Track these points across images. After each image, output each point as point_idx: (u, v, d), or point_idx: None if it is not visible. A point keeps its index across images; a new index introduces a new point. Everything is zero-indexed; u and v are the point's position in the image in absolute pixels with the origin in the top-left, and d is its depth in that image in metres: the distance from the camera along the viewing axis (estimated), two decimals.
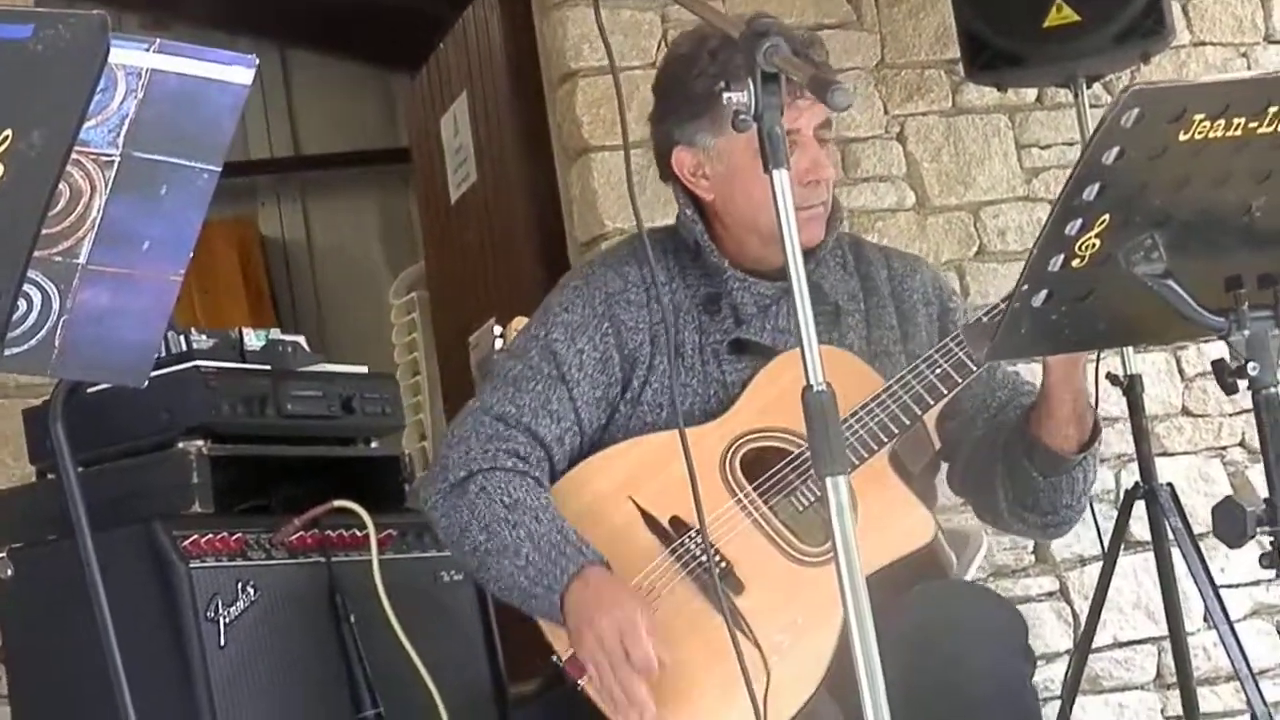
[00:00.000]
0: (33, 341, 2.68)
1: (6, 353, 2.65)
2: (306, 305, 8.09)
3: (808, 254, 3.10)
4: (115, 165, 2.64)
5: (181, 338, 3.71)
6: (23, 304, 2.66)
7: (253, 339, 3.84)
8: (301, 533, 3.67)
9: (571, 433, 3.23)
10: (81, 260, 2.68)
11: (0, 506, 3.84)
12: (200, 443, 3.63)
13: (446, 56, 6.45)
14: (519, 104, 5.91)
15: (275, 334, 3.91)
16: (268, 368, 3.81)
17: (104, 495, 3.50)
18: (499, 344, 3.83)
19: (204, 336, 3.74)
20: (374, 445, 4.05)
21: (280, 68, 8.06)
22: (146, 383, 2.81)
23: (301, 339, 3.96)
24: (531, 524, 3.09)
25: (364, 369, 4.10)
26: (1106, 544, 4.83)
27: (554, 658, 3.10)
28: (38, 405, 3.72)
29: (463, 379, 5.93)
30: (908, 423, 3.14)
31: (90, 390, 3.61)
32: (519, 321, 3.70)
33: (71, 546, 3.43)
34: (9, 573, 3.69)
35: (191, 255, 2.75)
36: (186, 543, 3.52)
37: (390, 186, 8.03)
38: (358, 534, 3.71)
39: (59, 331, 2.69)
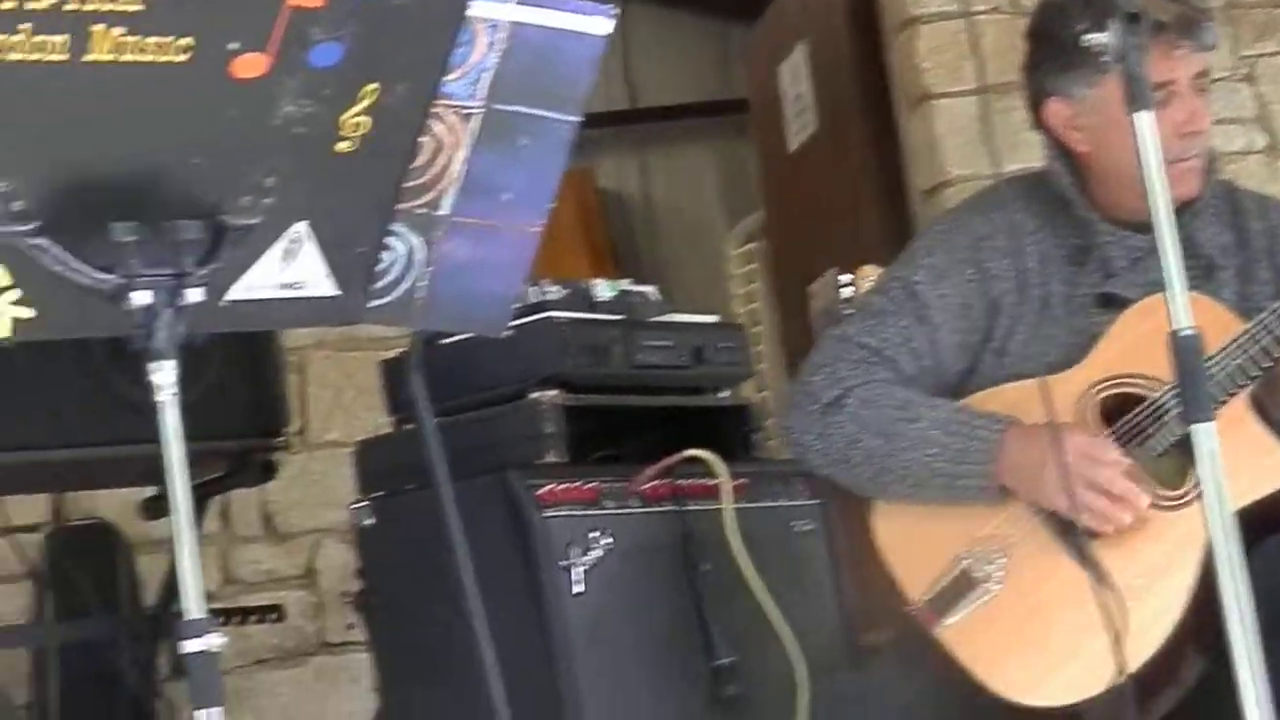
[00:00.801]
0: (397, 293, 2.73)
1: (372, 304, 2.71)
2: (644, 257, 8.13)
3: (1182, 207, 3.04)
4: (477, 118, 2.67)
5: (534, 289, 3.74)
6: (387, 256, 2.71)
7: (604, 290, 3.87)
8: (654, 482, 3.69)
9: (931, 373, 3.22)
10: (444, 212, 2.71)
11: (362, 456, 3.92)
12: (554, 393, 3.67)
13: (785, 6, 6.43)
14: (859, 51, 5.87)
15: (626, 284, 3.93)
16: (619, 318, 3.84)
17: (460, 445, 3.55)
18: (847, 293, 3.80)
19: (556, 287, 3.78)
20: (723, 395, 4.05)
21: (618, 21, 8.08)
22: (506, 334, 2.85)
23: (652, 289, 3.98)
24: (930, 414, 3.11)
25: (714, 318, 4.11)
26: None
27: (906, 608, 3.09)
28: (394, 357, 3.79)
29: (802, 329, 5.93)
30: (1268, 365, 3.06)
31: (445, 342, 3.67)
32: (868, 270, 3.67)
33: (430, 496, 3.50)
34: (371, 521, 3.77)
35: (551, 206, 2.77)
36: (541, 492, 3.56)
37: (727, 137, 8.02)
38: (710, 483, 3.72)
39: (423, 283, 2.73)
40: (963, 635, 3.05)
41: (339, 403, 5.63)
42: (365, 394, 5.59)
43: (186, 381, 3.67)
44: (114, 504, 5.15)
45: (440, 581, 3.46)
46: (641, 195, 8.25)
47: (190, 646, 2.47)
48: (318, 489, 5.52)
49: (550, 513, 3.54)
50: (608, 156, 8.13)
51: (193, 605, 2.49)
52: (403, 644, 3.77)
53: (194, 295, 2.52)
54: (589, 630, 3.52)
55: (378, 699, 4.35)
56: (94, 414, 3.87)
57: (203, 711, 2.48)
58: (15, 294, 2.52)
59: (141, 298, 2.49)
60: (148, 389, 3.77)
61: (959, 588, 3.08)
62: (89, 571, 5.11)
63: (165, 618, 4.18)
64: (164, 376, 2.49)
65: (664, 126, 8.19)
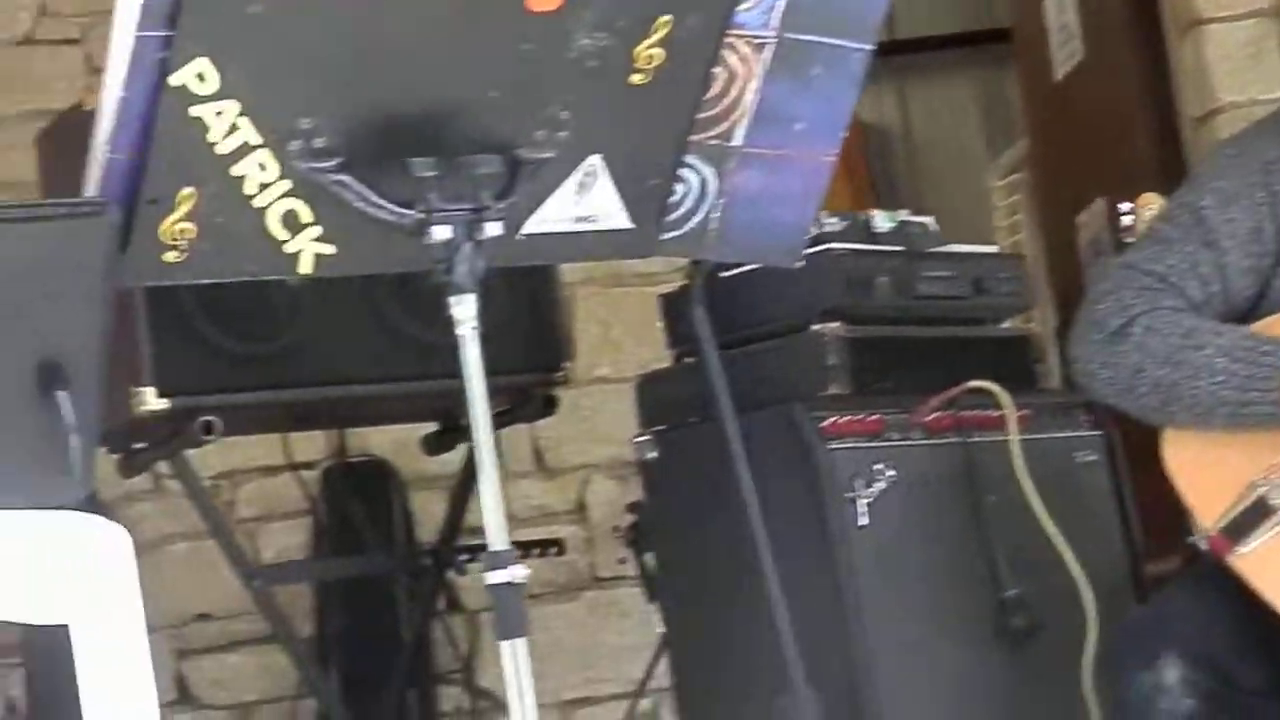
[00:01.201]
0: (690, 225, 2.73)
1: (665, 237, 2.71)
2: (903, 190, 8.06)
3: None
4: (770, 47, 2.66)
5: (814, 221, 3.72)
6: (680, 188, 2.71)
7: (882, 221, 3.84)
8: (938, 413, 3.66)
9: (1219, 299, 3.16)
10: (737, 143, 2.71)
11: (643, 390, 3.93)
12: (835, 325, 3.65)
13: None
14: None
15: (904, 215, 3.90)
16: (898, 249, 3.81)
17: (741, 378, 3.55)
18: (1128, 222, 3.74)
19: (834, 219, 3.76)
20: (1004, 325, 4.01)
21: None
22: (797, 264, 2.84)
23: (929, 219, 3.94)
24: (1216, 340, 3.05)
25: (994, 248, 4.06)
26: None
27: (1192, 538, 3.04)
28: (674, 291, 3.79)
29: (1069, 260, 5.85)
30: None
31: (725, 275, 3.66)
32: (1150, 199, 3.61)
33: (712, 429, 3.51)
34: (654, 454, 3.78)
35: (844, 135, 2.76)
36: (825, 424, 3.54)
37: (987, 68, 7.92)
38: (993, 414, 3.68)
39: (716, 215, 2.73)
40: (1259, 563, 3.00)
41: (607, 339, 5.65)
42: (633, 330, 5.62)
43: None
44: (387, 441, 5.23)
45: (724, 514, 3.47)
46: (901, 128, 8.17)
47: (495, 578, 2.50)
48: (587, 425, 5.54)
49: (835, 445, 3.53)
50: (866, 89, 8.05)
51: (497, 538, 2.51)
52: (687, 576, 3.78)
53: (492, 229, 2.54)
54: (874, 563, 3.51)
55: (662, 630, 4.38)
56: (378, 352, 3.92)
57: (508, 642, 2.51)
58: (316, 230, 2.56)
59: (442, 232, 2.51)
60: (431, 326, 3.85)
61: (1254, 515, 3.02)
62: (366, 508, 5.19)
63: (446, 551, 4.23)
64: (465, 311, 2.51)
65: (923, 58, 8.09)
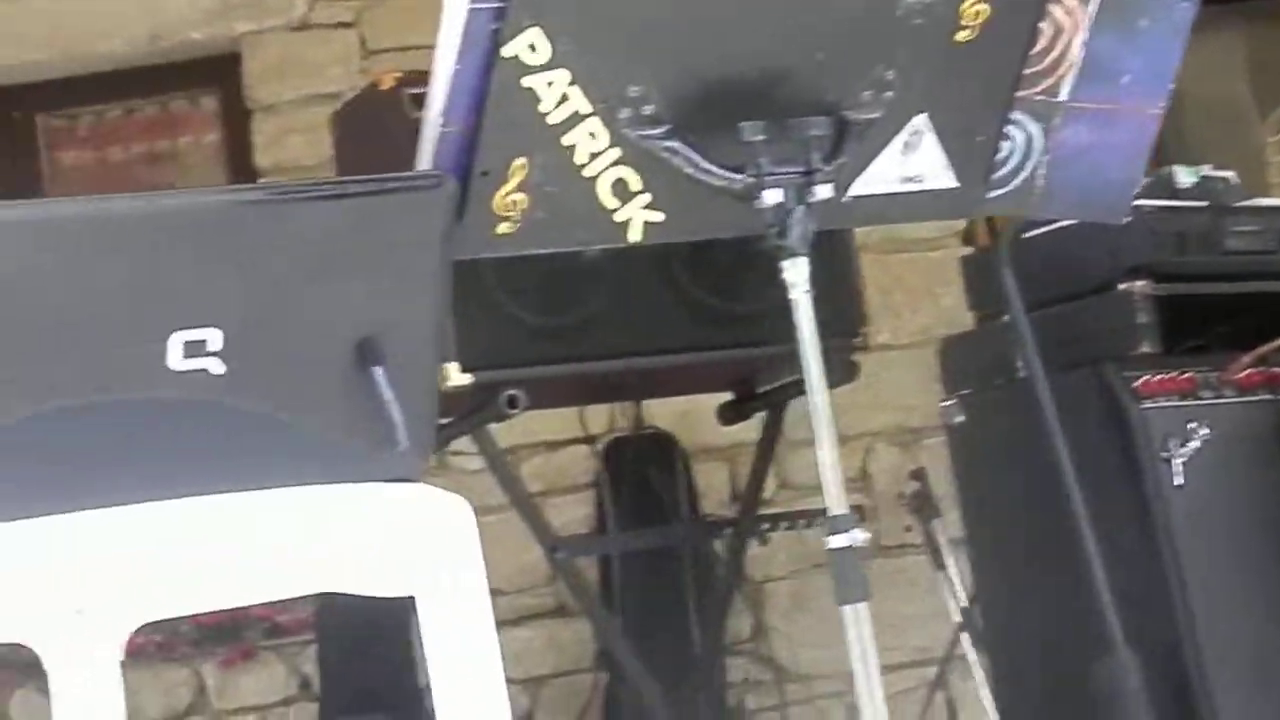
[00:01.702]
0: (1016, 182, 2.70)
1: (991, 195, 2.68)
2: (1171, 146, 7.90)
3: None
4: (1096, 0, 2.62)
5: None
6: (1005, 145, 2.68)
7: (1184, 176, 3.77)
8: (1250, 370, 3.59)
9: None
10: (1062, 98, 2.67)
11: (947, 354, 3.90)
12: (1143, 283, 3.59)
13: None
14: None
15: (1206, 170, 3.82)
16: (1204, 204, 3.73)
17: (1049, 338, 3.50)
18: None
19: None
20: None
21: None
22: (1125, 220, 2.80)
23: (1231, 174, 3.86)
24: None
25: None
26: None
27: None
28: (977, 252, 3.75)
29: None
30: None
31: (1028, 235, 3.61)
32: None
33: (1019, 391, 3.46)
34: (960, 418, 3.75)
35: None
36: (1137, 383, 3.49)
37: (1256, 23, 7.74)
38: None
39: (1041, 171, 2.69)
40: None
41: (887, 305, 5.60)
42: (912, 296, 5.58)
43: (771, 281, 3.73)
44: (669, 413, 5.23)
45: (1035, 477, 3.42)
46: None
47: (835, 542, 2.49)
48: (869, 392, 5.47)
49: (1148, 404, 3.48)
50: None
51: (835, 502, 2.50)
52: (998, 539, 3.74)
53: (823, 191, 2.52)
54: (1190, 522, 3.45)
55: (955, 600, 4.35)
56: (675, 322, 3.92)
57: (850, 607, 2.49)
58: (646, 198, 2.56)
59: (773, 195, 2.50)
60: (727, 296, 3.85)
61: None
62: (650, 480, 5.20)
63: (747, 521, 4.22)
64: (798, 274, 2.50)
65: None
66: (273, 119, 5.65)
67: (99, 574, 2.19)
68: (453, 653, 2.36)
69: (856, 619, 2.48)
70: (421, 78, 3.79)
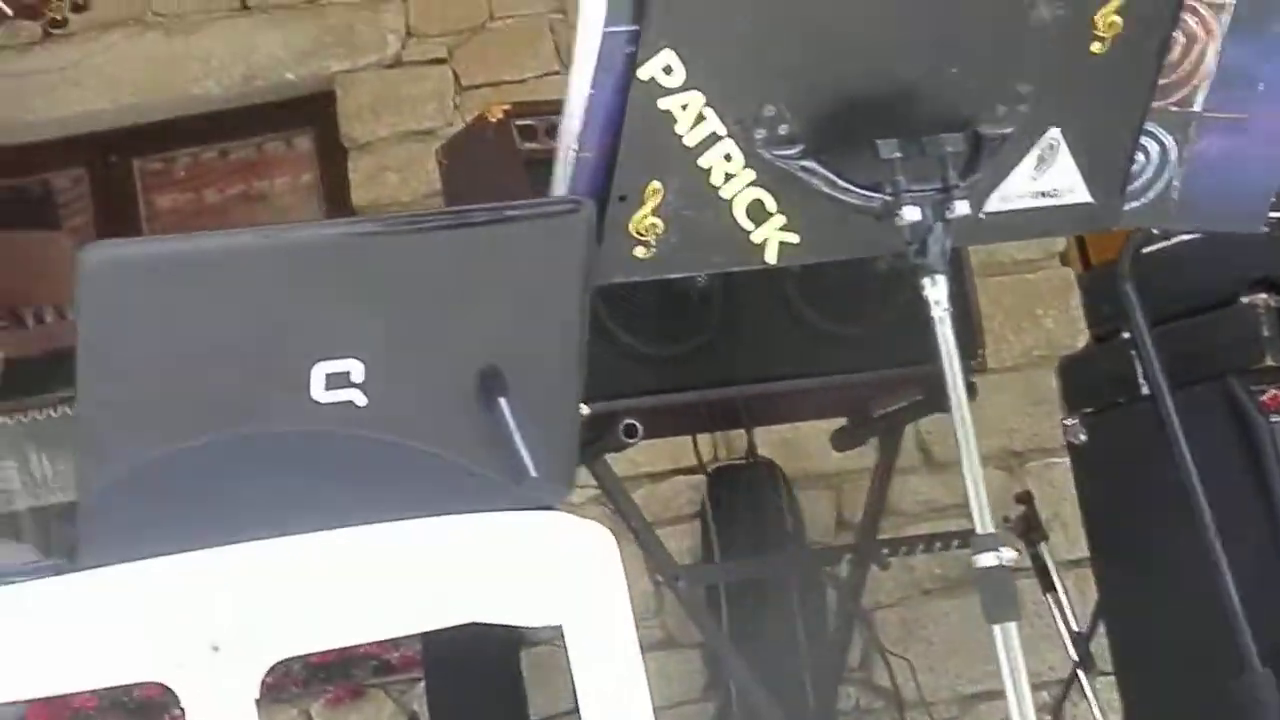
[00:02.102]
0: (1152, 194, 2.68)
1: (1127, 208, 2.66)
2: None
3: None
4: (1230, 7, 2.59)
5: None
6: (1141, 157, 2.65)
7: None
8: None
9: None
10: (1197, 108, 2.64)
11: (1067, 373, 3.87)
12: (1266, 295, 3.56)
13: None
14: None
15: None
16: None
17: (1171, 354, 3.47)
18: None
19: None
20: None
21: None
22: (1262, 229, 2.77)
23: None
24: None
25: None
26: None
27: None
28: (1096, 269, 3.73)
29: None
30: None
31: (1146, 250, 3.58)
32: None
33: (1141, 407, 3.43)
34: (1083, 437, 3.72)
35: None
36: (1264, 397, 3.46)
37: None
38: None
39: (1177, 182, 2.67)
40: None
41: (988, 328, 5.56)
42: (1013, 318, 5.55)
43: (885, 304, 3.71)
44: (771, 441, 5.20)
45: (1162, 493, 3.40)
46: None
47: (983, 561, 2.46)
48: (973, 416, 5.47)
49: (1276, 418, 3.44)
50: None
51: (983, 521, 2.47)
52: (1124, 557, 3.71)
53: (960, 208, 2.50)
54: None
55: (1067, 624, 4.30)
56: (789, 348, 3.90)
57: (999, 626, 2.47)
58: (781, 219, 2.54)
59: (911, 213, 2.48)
60: (842, 320, 3.82)
61: None
62: (756, 508, 5.17)
63: (868, 545, 4.18)
64: (938, 292, 2.48)
65: None
66: (368, 156, 5.66)
67: (237, 610, 2.18)
68: (601, 679, 2.34)
69: (1006, 638, 2.45)
70: (529, 109, 3.82)
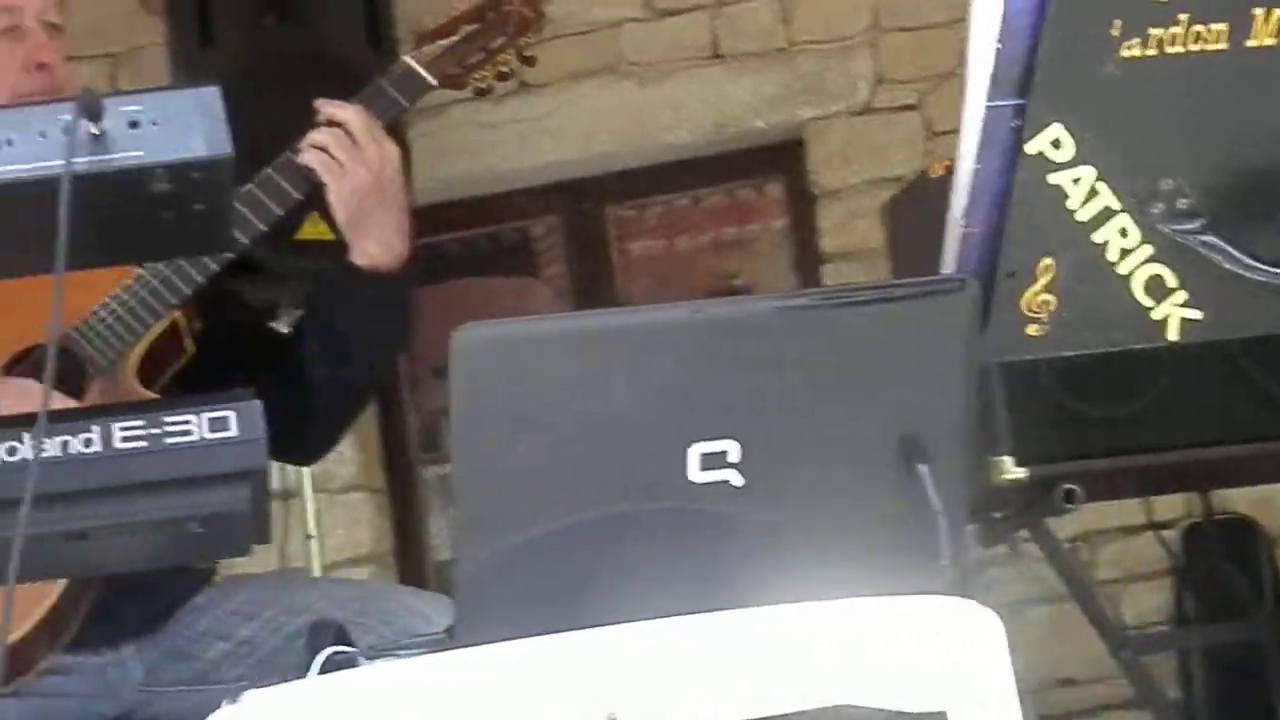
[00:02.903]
0: None
1: None
2: None
3: None
4: None
5: None
6: None
7: None
8: None
9: None
10: None
11: None
12: None
13: None
14: None
15: None
16: None
17: None
18: None
19: None
20: None
21: None
22: None
23: None
24: None
25: None
26: None
27: None
28: None
29: None
30: None
31: None
32: None
33: None
34: None
35: None
36: None
37: None
38: None
39: None
40: None
41: None
42: None
43: None
44: (1252, 496, 5.01)
45: None
46: None
47: None
48: None
49: None
50: None
51: None
52: None
53: None
54: None
55: None
56: (1239, 410, 3.73)
57: None
58: (1182, 295, 2.44)
59: None
60: None
61: None
62: (1230, 568, 4.99)
63: None
64: None
65: None
66: (838, 204, 5.66)
67: (625, 688, 2.18)
68: None
69: None
70: None
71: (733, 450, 2.24)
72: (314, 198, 2.95)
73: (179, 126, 1.98)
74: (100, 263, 2.24)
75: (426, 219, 5.40)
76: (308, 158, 2.90)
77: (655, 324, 2.30)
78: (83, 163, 1.94)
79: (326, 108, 2.93)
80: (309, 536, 5.17)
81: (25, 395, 2.66)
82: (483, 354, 2.15)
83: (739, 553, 2.30)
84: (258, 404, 2.15)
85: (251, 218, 2.87)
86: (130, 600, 2.87)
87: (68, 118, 1.93)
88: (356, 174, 2.91)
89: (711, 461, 2.22)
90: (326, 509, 5.56)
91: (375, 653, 2.15)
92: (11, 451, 2.05)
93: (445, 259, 5.88)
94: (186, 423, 2.12)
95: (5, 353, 2.83)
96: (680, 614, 2.20)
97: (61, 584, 2.74)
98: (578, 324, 2.33)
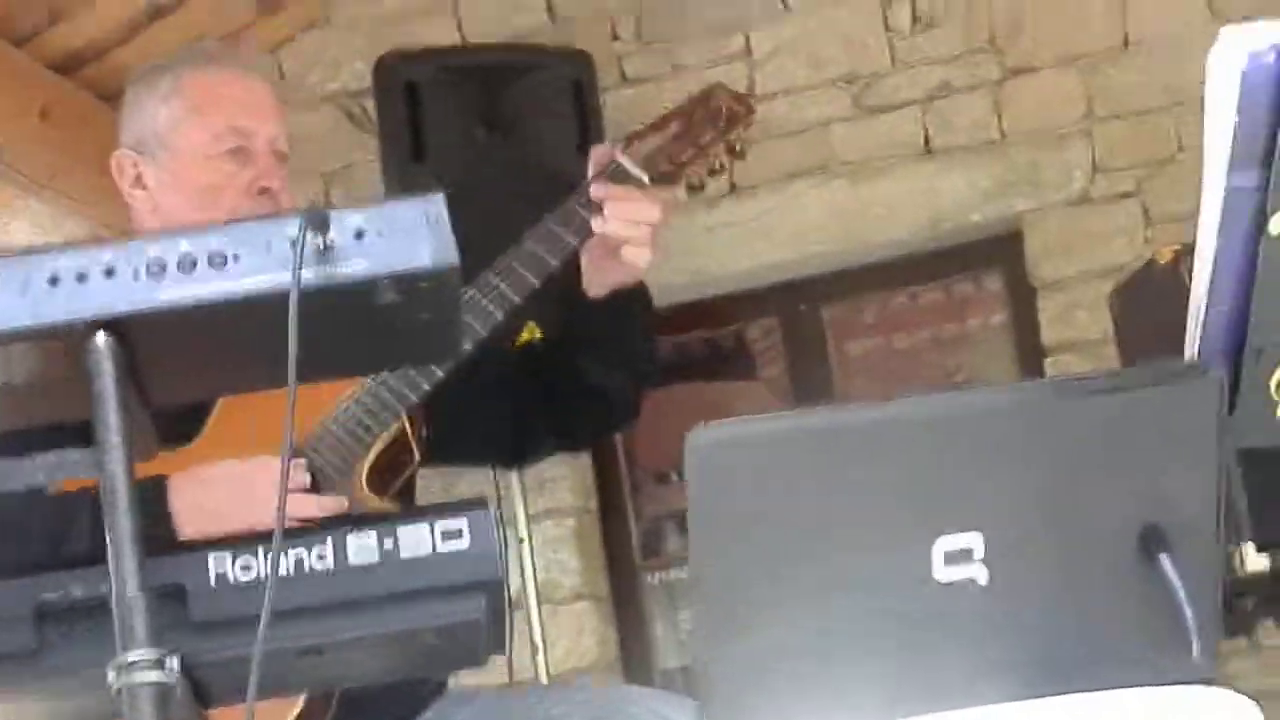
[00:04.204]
0: None
1: None
2: None
3: None
4: None
5: None
6: None
7: None
8: None
9: None
10: None
11: None
12: None
13: None
14: None
15: None
16: None
17: None
18: None
19: None
20: None
21: None
22: None
23: None
24: None
25: None
26: None
27: None
28: None
29: None
30: None
31: None
32: None
33: None
34: None
35: None
36: None
37: None
38: None
39: None
40: None
41: None
42: None
43: None
44: None
45: None
46: None
47: None
48: None
49: None
50: None
51: None
52: None
53: None
54: None
55: None
56: None
57: None
58: None
59: None
60: None
61: None
62: None
63: None
64: None
65: None
66: (1057, 295, 5.57)
67: None
68: None
69: None
70: None
71: (976, 544, 2.18)
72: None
73: (405, 237, 1.96)
74: (330, 375, 2.24)
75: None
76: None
77: (889, 418, 2.26)
78: (310, 275, 1.93)
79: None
80: (535, 646, 5.16)
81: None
82: (718, 454, 2.12)
83: (985, 652, 2.25)
84: (490, 513, 2.13)
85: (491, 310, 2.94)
86: (367, 713, 2.86)
87: (294, 231, 1.92)
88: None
89: (955, 558, 2.17)
90: (551, 619, 5.55)
91: None
92: (247, 568, 2.04)
93: (663, 364, 5.85)
94: (419, 534, 2.09)
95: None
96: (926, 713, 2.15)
97: (301, 700, 2.75)
98: (810, 421, 2.29)
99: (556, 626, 5.69)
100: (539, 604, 5.29)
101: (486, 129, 4.98)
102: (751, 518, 2.08)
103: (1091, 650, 2.26)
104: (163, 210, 2.93)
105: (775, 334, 5.90)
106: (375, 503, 2.83)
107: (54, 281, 1.92)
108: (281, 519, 1.90)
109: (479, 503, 2.14)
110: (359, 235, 1.96)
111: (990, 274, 5.78)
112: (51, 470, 1.95)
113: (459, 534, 2.11)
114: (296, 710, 2.72)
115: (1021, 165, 5.62)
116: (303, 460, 2.79)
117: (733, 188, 5.69)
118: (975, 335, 5.82)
